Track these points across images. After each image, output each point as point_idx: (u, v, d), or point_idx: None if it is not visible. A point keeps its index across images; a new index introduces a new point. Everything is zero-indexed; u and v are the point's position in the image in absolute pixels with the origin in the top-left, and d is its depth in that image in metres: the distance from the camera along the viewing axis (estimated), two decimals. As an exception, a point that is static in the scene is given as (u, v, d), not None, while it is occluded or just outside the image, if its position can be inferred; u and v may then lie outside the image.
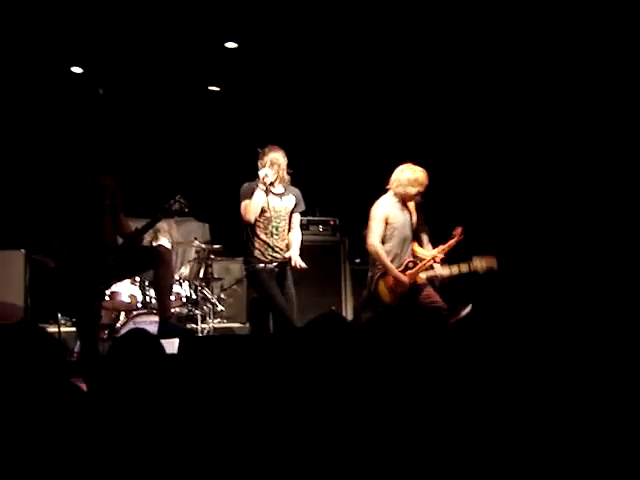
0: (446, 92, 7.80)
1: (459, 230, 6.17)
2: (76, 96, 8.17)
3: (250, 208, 5.79)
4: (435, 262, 6.16)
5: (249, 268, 5.91)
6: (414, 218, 6.23)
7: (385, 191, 6.21)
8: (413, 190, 6.08)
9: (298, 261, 5.80)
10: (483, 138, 7.79)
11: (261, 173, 5.83)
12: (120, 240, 5.55)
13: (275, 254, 5.85)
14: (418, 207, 6.27)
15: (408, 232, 6.17)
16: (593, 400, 2.63)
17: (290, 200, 5.94)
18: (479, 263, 6.08)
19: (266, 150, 5.92)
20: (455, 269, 6.13)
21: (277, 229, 5.87)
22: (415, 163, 6.13)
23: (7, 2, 6.59)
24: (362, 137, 8.50)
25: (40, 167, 7.05)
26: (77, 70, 7.94)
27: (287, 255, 5.84)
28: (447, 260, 6.19)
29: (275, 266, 5.85)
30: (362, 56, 7.57)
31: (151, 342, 2.74)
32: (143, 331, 2.85)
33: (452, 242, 6.16)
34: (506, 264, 6.29)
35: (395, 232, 6.13)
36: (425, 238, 6.36)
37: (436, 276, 6.16)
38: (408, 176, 6.10)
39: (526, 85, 7.33)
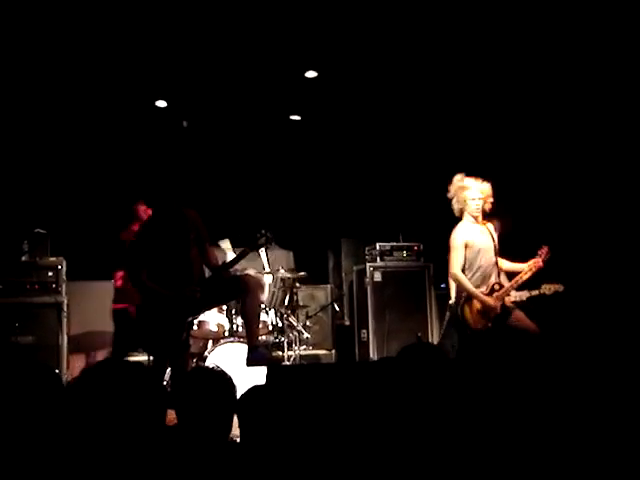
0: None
1: (545, 249, 6.06)
2: (161, 130, 8.37)
3: None
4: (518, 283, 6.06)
5: None
6: (495, 239, 6.14)
7: (460, 219, 6.16)
8: (474, 202, 6.01)
9: None
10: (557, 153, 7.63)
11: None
12: (207, 271, 5.66)
13: None
14: (497, 227, 6.19)
15: (491, 254, 6.08)
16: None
17: None
18: (548, 288, 5.98)
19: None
20: (534, 292, 6.03)
21: None
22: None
23: (93, 39, 6.79)
24: (445, 161, 8.45)
25: (127, 200, 7.24)
26: (161, 104, 8.13)
27: None
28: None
29: None
30: (447, 81, 7.53)
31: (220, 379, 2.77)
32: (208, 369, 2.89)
33: (539, 261, 6.06)
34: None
35: (478, 255, 6.06)
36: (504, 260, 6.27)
37: (521, 299, 6.06)
38: (462, 185, 6.06)
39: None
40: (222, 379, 2.73)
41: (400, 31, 6.90)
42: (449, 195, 6.15)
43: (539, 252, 6.09)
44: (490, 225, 6.18)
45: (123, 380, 2.26)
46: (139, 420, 2.22)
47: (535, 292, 6.04)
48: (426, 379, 2.64)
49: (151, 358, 6.46)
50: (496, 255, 6.13)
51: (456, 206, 6.15)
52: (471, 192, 6.07)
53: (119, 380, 2.26)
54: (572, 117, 7.33)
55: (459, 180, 6.12)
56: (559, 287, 6.00)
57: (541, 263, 6.06)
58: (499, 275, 6.14)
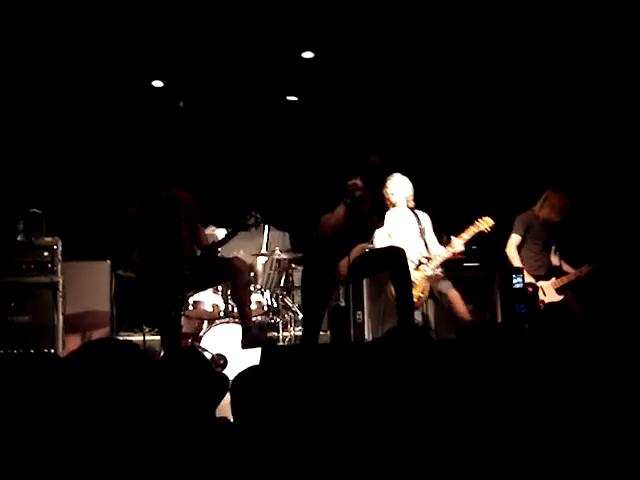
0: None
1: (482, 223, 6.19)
2: (157, 109, 8.34)
3: None
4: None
5: None
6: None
7: None
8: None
9: None
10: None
11: None
12: (198, 252, 5.72)
13: None
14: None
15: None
16: None
17: None
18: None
19: None
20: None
21: None
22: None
23: (90, 19, 6.75)
24: (435, 139, 8.45)
25: (123, 181, 7.22)
26: (158, 84, 8.09)
27: None
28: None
29: None
30: (455, 64, 7.52)
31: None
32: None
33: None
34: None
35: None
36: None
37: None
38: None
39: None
40: (204, 362, 2.77)
41: (395, 13, 6.87)
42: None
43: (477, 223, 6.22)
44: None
45: (116, 358, 2.27)
46: (134, 400, 2.24)
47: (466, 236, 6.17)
48: (411, 360, 2.67)
49: (147, 338, 6.56)
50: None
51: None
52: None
53: (113, 358, 2.27)
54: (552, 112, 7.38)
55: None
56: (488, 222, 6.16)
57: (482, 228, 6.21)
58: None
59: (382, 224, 5.93)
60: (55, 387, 2.45)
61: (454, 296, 6.27)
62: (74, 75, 7.49)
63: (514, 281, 6.13)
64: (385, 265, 5.64)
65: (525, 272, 6.44)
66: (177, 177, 5.78)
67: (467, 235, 6.15)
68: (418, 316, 6.45)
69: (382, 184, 5.51)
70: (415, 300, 6.02)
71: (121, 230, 5.69)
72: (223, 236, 6.04)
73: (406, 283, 5.56)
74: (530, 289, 6.34)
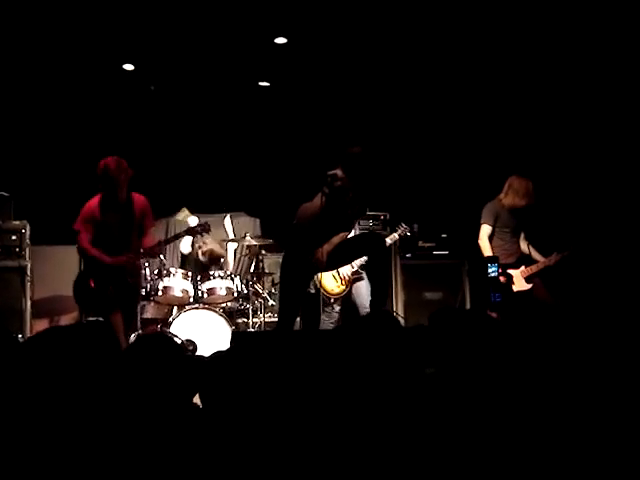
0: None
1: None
2: (128, 93, 8.26)
3: None
4: None
5: None
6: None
7: None
8: None
9: None
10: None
11: None
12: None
13: None
14: None
15: None
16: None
17: None
18: None
19: None
20: None
21: None
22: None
23: (61, 2, 6.68)
24: (412, 128, 8.47)
25: (92, 165, 7.16)
26: (129, 67, 8.01)
27: None
28: None
29: None
30: (428, 51, 7.52)
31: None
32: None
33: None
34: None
35: None
36: None
37: None
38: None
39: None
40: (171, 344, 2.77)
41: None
42: None
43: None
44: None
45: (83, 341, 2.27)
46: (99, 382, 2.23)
47: None
48: (379, 346, 2.69)
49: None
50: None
51: None
52: None
53: (79, 340, 2.27)
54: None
55: None
56: None
57: None
58: None
59: (364, 213, 6.03)
60: (15, 371, 2.43)
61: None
62: (43, 58, 7.38)
63: (489, 270, 6.18)
64: (363, 251, 5.69)
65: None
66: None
67: None
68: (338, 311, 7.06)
69: (364, 173, 5.51)
70: (338, 294, 6.78)
71: (80, 220, 6.03)
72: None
73: (382, 270, 5.63)
74: (504, 278, 6.40)
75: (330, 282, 6.80)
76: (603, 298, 6.59)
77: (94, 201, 6.02)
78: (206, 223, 6.57)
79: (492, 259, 6.28)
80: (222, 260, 7.63)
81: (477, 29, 7.14)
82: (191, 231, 6.59)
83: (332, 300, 6.94)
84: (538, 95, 7.67)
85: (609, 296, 6.66)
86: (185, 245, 7.60)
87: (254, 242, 7.49)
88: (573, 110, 7.55)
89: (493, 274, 6.17)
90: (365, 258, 6.20)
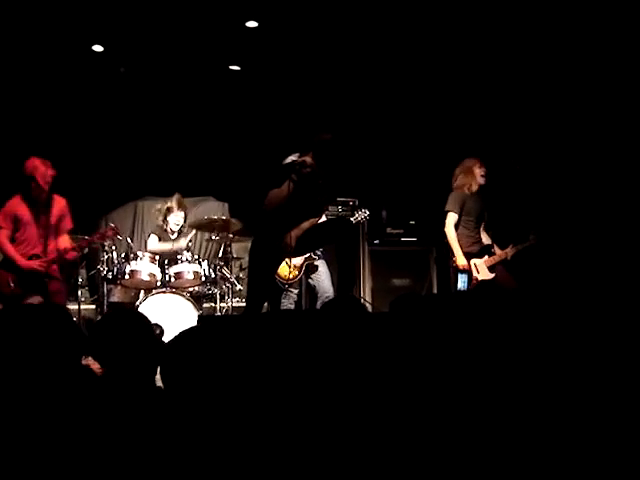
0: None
1: None
2: (97, 75, 8.17)
3: None
4: None
5: None
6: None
7: None
8: None
9: None
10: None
11: None
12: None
13: None
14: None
15: None
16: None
17: None
18: None
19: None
20: None
21: None
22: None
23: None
24: (381, 115, 8.47)
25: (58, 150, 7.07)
26: (98, 48, 7.91)
27: None
28: None
29: None
30: (394, 34, 7.48)
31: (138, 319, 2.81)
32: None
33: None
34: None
35: None
36: None
37: None
38: None
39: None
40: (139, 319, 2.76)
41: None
42: None
43: None
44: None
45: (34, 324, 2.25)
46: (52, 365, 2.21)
47: None
48: (346, 332, 2.71)
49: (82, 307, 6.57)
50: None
51: None
52: None
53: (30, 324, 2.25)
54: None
55: None
56: None
57: None
58: None
59: (334, 199, 6.02)
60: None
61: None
62: (10, 38, 7.27)
63: (459, 280, 6.46)
64: (332, 237, 5.71)
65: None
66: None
67: None
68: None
69: (335, 160, 5.52)
70: (293, 280, 6.84)
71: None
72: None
73: (349, 256, 5.65)
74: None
75: (283, 269, 6.76)
76: (567, 281, 6.65)
77: (16, 199, 6.14)
78: (116, 227, 6.81)
79: (462, 271, 6.48)
80: (190, 243, 7.64)
81: (449, 16, 7.15)
82: (103, 236, 6.73)
83: (287, 286, 6.94)
84: (501, 82, 7.71)
85: (573, 279, 6.73)
86: (153, 242, 7.53)
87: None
88: (537, 96, 7.59)
89: (462, 286, 6.41)
90: None
